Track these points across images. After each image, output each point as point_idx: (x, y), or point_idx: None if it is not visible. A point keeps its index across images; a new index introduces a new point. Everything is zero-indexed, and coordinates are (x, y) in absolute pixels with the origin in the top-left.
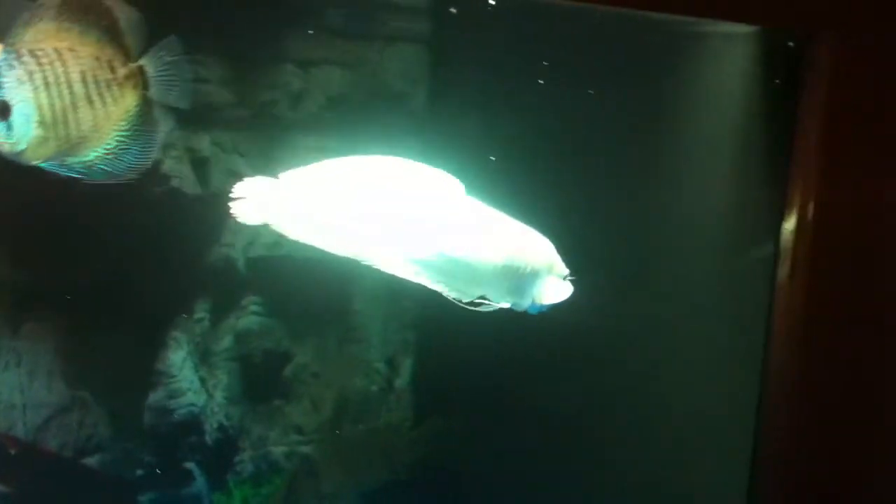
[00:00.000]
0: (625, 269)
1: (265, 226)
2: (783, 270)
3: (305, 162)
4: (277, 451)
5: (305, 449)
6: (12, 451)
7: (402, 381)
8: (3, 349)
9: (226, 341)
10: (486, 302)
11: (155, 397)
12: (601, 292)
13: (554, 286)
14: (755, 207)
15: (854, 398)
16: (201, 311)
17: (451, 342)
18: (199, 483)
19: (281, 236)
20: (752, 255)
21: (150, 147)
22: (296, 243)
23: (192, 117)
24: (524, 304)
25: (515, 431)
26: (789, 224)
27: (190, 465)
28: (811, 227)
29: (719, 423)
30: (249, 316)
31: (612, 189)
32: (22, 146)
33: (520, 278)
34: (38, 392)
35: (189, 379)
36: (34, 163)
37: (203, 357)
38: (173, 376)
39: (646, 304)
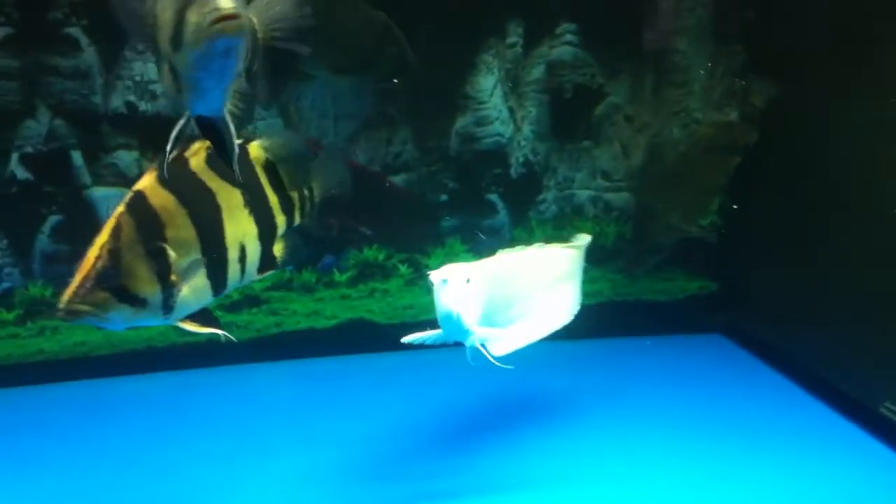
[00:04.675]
0: None
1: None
2: None
3: None
4: (582, 194)
5: (610, 196)
6: None
7: None
8: None
9: (537, 71)
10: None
11: (463, 122)
12: None
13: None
14: None
15: None
16: (514, 35)
17: None
18: (501, 216)
19: None
20: None
21: None
22: None
23: None
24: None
25: None
26: None
27: (493, 196)
28: None
29: None
30: (563, 45)
31: None
32: None
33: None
34: (347, 103)
35: (498, 107)
36: None
37: (513, 86)
38: (483, 102)
39: None
